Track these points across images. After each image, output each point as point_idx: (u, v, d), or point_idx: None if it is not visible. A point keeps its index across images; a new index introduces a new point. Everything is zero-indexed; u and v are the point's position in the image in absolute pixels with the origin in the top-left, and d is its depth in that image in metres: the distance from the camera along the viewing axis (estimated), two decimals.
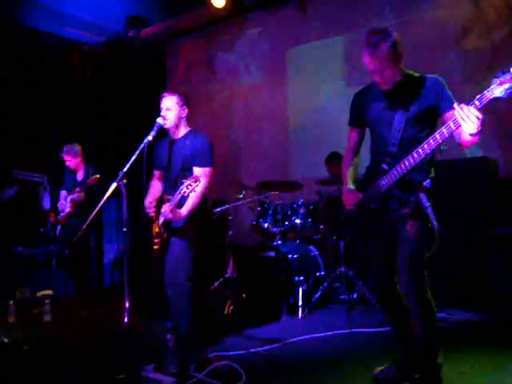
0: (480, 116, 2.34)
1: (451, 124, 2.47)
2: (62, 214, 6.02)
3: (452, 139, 2.60)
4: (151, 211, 3.74)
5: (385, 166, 2.80)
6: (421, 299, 2.74)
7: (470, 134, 2.43)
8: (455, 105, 2.41)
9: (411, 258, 2.74)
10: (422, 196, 2.73)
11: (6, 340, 3.97)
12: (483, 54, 5.35)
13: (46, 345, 4.05)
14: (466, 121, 2.35)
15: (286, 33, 6.96)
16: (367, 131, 3.09)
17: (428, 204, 2.73)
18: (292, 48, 6.98)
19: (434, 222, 2.74)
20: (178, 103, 3.74)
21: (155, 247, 3.77)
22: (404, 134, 2.77)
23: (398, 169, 2.71)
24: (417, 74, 2.82)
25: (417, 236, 2.74)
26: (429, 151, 2.60)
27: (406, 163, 2.68)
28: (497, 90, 2.30)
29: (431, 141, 2.57)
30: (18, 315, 5.04)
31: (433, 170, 2.83)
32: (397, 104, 2.79)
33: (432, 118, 2.77)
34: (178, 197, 3.40)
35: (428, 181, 2.78)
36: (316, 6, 6.69)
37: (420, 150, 2.62)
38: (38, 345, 4.00)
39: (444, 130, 2.52)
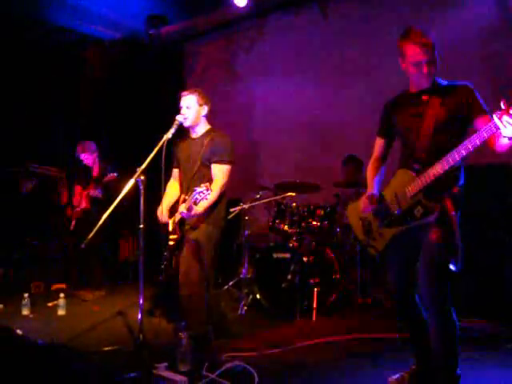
0: None
1: (484, 133, 2.40)
2: (76, 208, 6.06)
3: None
4: (163, 220, 3.79)
5: (413, 173, 2.75)
6: (442, 310, 2.66)
7: (509, 138, 2.36)
8: (495, 116, 2.32)
9: (434, 268, 2.66)
10: (449, 203, 2.66)
11: (20, 333, 3.98)
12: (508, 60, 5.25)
13: (59, 339, 4.05)
14: (507, 126, 2.28)
15: (306, 33, 6.91)
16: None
17: (454, 213, 2.66)
18: (312, 49, 6.92)
19: (457, 234, 2.66)
20: (198, 102, 3.73)
21: (170, 243, 3.77)
22: (433, 140, 2.70)
23: (426, 176, 2.65)
24: (446, 82, 2.78)
25: (440, 245, 2.65)
26: (459, 159, 2.54)
27: (435, 171, 2.61)
28: None
29: (462, 150, 2.49)
30: (32, 309, 5.08)
31: (462, 176, 2.75)
32: (425, 111, 2.74)
33: (461, 125, 2.70)
34: (191, 202, 3.38)
35: (456, 188, 2.71)
36: (336, 7, 6.62)
37: (450, 159, 2.55)
38: (52, 339, 4.00)
39: (476, 139, 2.44)
